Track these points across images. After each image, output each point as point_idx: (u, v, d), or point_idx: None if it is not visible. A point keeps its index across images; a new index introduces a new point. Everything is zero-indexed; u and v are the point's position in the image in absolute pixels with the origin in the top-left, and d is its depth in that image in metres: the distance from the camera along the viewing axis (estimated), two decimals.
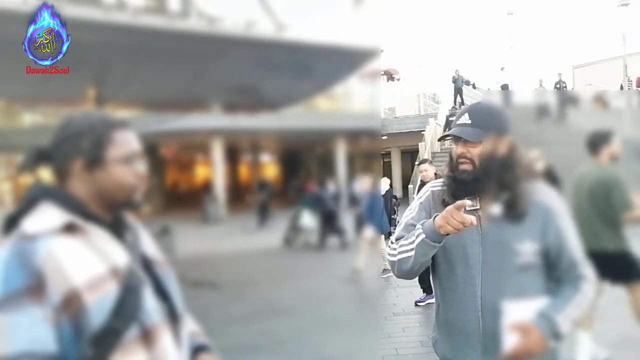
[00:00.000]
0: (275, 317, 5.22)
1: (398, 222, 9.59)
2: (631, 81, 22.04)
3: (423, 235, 1.61)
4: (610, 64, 25.96)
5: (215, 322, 5.52)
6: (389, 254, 1.79)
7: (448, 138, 1.72)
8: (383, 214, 7.56)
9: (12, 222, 1.12)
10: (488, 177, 1.63)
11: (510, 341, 1.56)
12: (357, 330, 5.25)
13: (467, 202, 1.53)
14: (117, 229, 1.21)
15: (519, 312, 1.58)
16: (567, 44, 69.40)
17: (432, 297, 5.64)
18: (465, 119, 1.68)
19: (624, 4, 24.29)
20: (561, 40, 73.96)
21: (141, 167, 1.23)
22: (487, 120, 1.68)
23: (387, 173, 17.99)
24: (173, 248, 7.77)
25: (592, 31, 72.81)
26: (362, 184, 8.59)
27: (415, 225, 1.69)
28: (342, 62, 12.61)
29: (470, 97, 20.99)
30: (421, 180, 6.10)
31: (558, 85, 20.65)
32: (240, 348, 4.74)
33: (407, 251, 1.67)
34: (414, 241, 1.65)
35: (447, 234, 1.57)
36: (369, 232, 7.47)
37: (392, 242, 1.80)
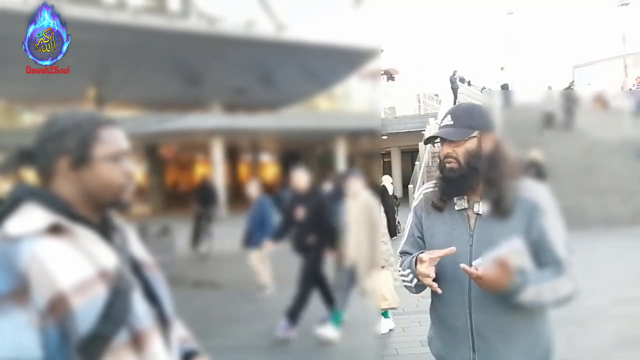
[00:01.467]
0: (275, 317, 5.21)
1: (398, 222, 9.58)
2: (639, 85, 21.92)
3: (416, 280, 1.75)
4: (610, 64, 25.94)
5: (215, 322, 5.52)
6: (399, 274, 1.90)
7: (436, 141, 1.79)
8: (271, 222, 6.47)
9: None
10: (474, 173, 1.69)
11: (486, 266, 1.57)
12: (357, 330, 5.25)
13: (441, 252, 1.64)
14: (105, 230, 1.16)
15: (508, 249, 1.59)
16: (567, 44, 69.51)
17: (294, 329, 5.21)
18: (448, 120, 1.75)
19: (624, 4, 24.29)
20: (561, 40, 74.05)
21: (130, 165, 1.18)
22: (468, 119, 1.74)
23: (387, 173, 18.02)
24: (173, 248, 7.76)
25: (592, 31, 72.88)
26: (250, 189, 6.88)
27: (415, 237, 1.84)
28: (342, 62, 12.60)
29: (469, 96, 20.97)
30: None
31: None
32: (240, 348, 4.75)
33: (407, 282, 1.82)
34: (412, 280, 1.78)
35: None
36: (268, 245, 6.10)
37: (400, 255, 1.87)
